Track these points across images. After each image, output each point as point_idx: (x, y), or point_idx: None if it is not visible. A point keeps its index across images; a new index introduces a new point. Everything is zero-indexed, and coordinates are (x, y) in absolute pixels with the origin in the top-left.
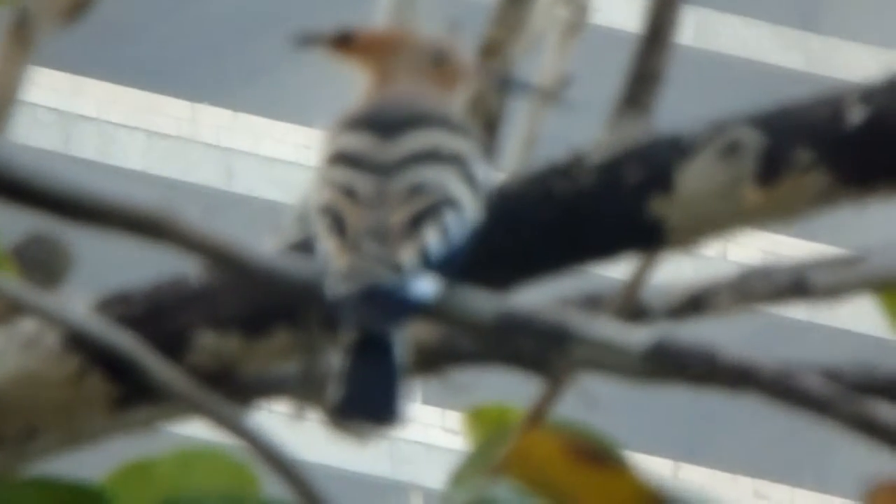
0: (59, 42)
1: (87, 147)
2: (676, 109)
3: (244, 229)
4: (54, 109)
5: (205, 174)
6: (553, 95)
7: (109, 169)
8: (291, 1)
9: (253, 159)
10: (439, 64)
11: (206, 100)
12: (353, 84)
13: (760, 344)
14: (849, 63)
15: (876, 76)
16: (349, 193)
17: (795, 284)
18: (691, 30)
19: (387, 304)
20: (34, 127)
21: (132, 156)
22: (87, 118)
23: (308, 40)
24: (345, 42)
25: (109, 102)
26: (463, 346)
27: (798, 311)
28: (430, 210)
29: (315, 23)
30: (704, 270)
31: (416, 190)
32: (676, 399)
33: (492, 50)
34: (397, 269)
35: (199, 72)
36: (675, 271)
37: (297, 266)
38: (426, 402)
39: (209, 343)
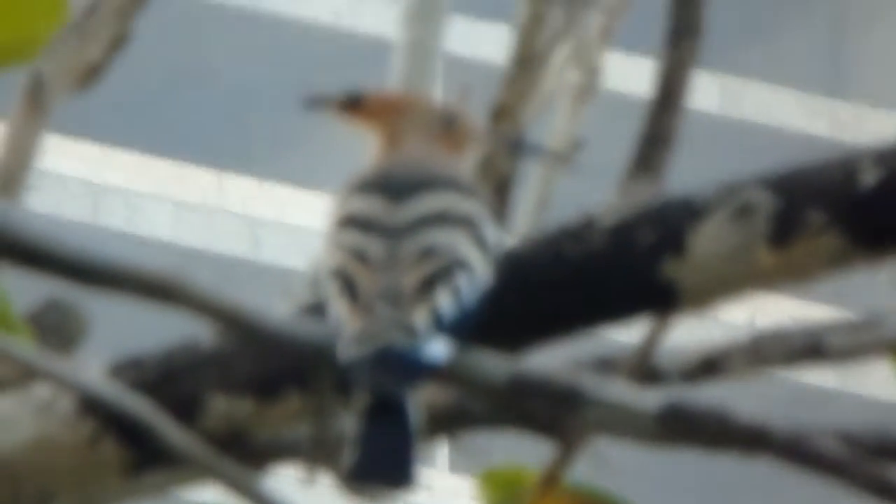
0: (87, 113)
1: (114, 217)
2: (701, 176)
3: (270, 298)
4: (83, 180)
5: (232, 243)
6: (564, 159)
7: (137, 239)
8: (316, 72)
9: (279, 228)
10: (449, 127)
11: (232, 169)
12: (365, 147)
13: (781, 411)
14: (875, 130)
15: (889, 139)
16: (360, 257)
17: (810, 347)
18: (717, 96)
19: (400, 366)
20: (63, 198)
21: (159, 225)
22: (114, 188)
23: (318, 103)
24: (354, 105)
25: (136, 172)
26: (475, 409)
27: (820, 378)
28: (442, 272)
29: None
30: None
31: (427, 252)
32: (693, 465)
33: (503, 114)
34: (410, 331)
35: (226, 142)
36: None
37: (308, 329)
38: (437, 466)
39: (222, 407)
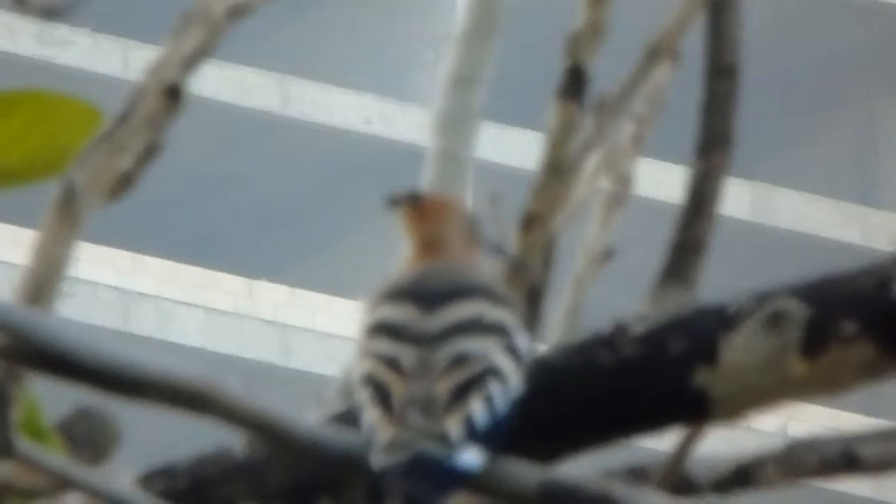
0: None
1: (145, 324)
2: (733, 284)
3: (301, 405)
4: (113, 287)
5: (262, 350)
6: (597, 267)
7: (168, 346)
8: (345, 180)
9: (310, 335)
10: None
11: (262, 276)
12: (396, 253)
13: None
14: None
15: None
16: (392, 364)
17: (845, 458)
18: (748, 204)
19: (433, 475)
20: (94, 305)
21: (190, 332)
22: (145, 295)
23: (394, 202)
24: (415, 204)
25: (167, 279)
26: None
27: (854, 486)
28: (475, 380)
29: (369, 202)
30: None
31: (459, 360)
32: None
33: (533, 221)
34: (443, 440)
35: (256, 248)
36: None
37: (341, 437)
38: None
39: None
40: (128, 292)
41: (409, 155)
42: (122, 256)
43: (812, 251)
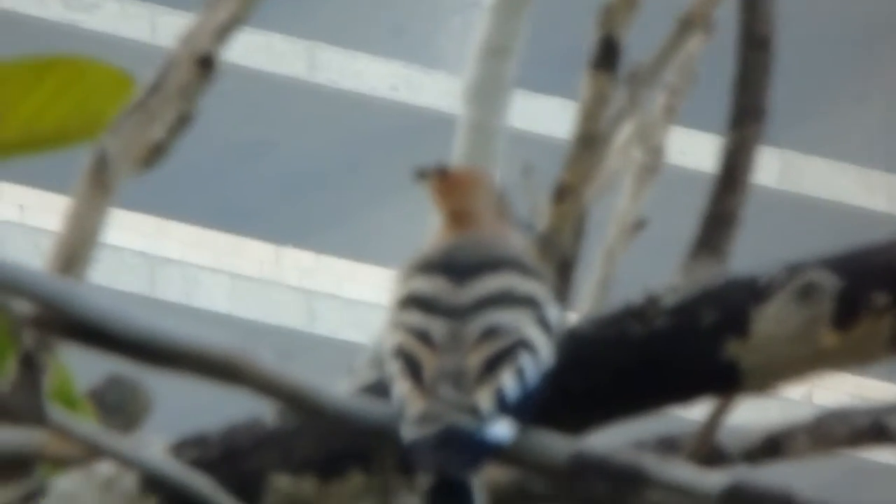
0: (144, 185)
1: (171, 289)
2: (760, 251)
3: (326, 371)
4: (139, 252)
5: (288, 316)
6: (628, 238)
7: (194, 311)
8: (373, 147)
9: (336, 301)
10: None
11: (289, 242)
12: (423, 222)
13: (843, 488)
14: None
15: None
16: (423, 337)
17: (874, 428)
18: (776, 171)
19: (465, 448)
20: (120, 270)
21: (216, 298)
22: (171, 261)
23: (421, 174)
24: (443, 177)
25: (193, 245)
26: (535, 489)
27: (881, 455)
28: (506, 353)
29: (397, 170)
30: (790, 413)
31: (490, 333)
32: None
33: (565, 192)
34: (475, 412)
35: (282, 215)
36: (760, 414)
37: (372, 408)
38: None
39: (284, 485)
40: (154, 258)
41: (436, 122)
42: (148, 222)
43: (839, 219)
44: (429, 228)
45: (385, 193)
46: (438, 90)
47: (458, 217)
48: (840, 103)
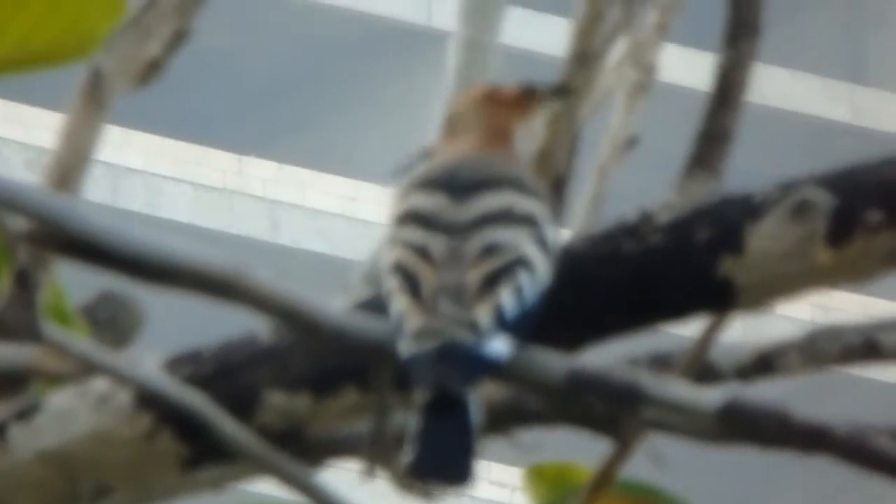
0: None
1: (134, 199)
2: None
3: (289, 281)
4: (103, 162)
5: (251, 226)
6: (621, 154)
7: (157, 221)
8: (336, 56)
9: (298, 211)
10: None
11: (251, 152)
12: (389, 134)
13: (801, 397)
14: (894, 115)
15: None
16: (422, 253)
17: (866, 345)
18: None
19: (463, 363)
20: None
21: (179, 208)
22: (134, 171)
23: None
24: (498, 96)
25: (156, 155)
26: (531, 406)
27: (877, 373)
28: (505, 270)
29: (359, 79)
30: (779, 329)
31: (489, 250)
32: (732, 456)
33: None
34: (473, 328)
35: (245, 125)
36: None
37: (369, 325)
38: (491, 459)
39: (279, 402)
40: (117, 167)
41: (397, 31)
42: (110, 131)
43: (801, 129)
44: (390, 138)
45: (348, 102)
46: (401, 1)
47: (495, 136)
48: (801, 14)
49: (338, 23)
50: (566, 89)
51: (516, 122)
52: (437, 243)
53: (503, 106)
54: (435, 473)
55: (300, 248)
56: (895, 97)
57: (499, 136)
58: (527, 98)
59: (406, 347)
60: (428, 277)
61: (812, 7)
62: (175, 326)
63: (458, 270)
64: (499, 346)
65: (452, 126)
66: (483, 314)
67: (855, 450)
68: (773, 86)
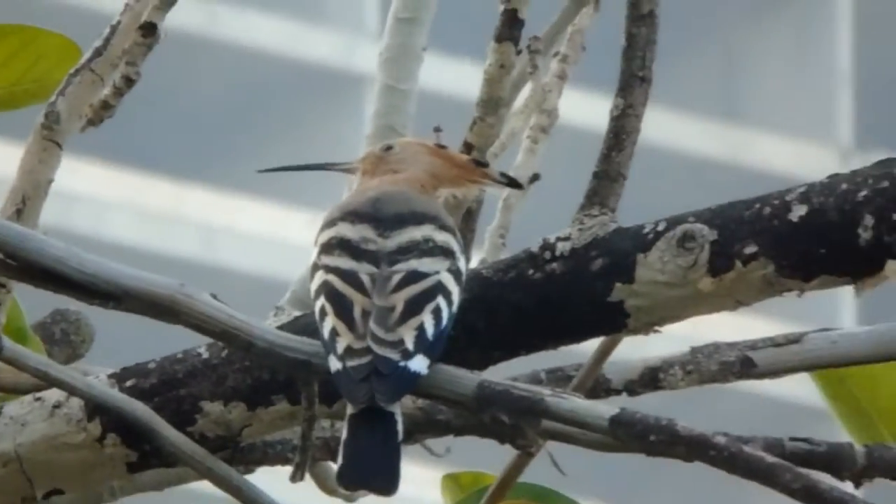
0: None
1: (82, 223)
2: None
3: (223, 298)
4: (54, 189)
5: (188, 249)
6: (525, 189)
7: (102, 243)
8: (265, 95)
9: (233, 234)
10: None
11: (191, 179)
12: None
13: (675, 407)
14: (765, 152)
15: (815, 177)
16: (351, 278)
17: (741, 363)
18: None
19: (391, 379)
20: None
21: (123, 232)
22: (81, 196)
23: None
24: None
25: (102, 182)
26: (444, 418)
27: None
28: (426, 295)
29: (285, 115)
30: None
31: (412, 277)
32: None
33: (469, 151)
34: (400, 348)
35: (185, 154)
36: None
37: (298, 343)
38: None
39: (216, 412)
40: (65, 194)
41: (325, 76)
42: (62, 161)
43: (679, 166)
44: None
45: (276, 135)
46: (329, 45)
47: (429, 180)
48: (676, 54)
49: (266, 65)
50: (516, 184)
51: (457, 184)
52: (363, 270)
53: (453, 164)
54: (364, 480)
55: (234, 269)
56: (768, 135)
57: (431, 182)
58: (477, 169)
59: (337, 364)
60: (357, 301)
61: (688, 50)
62: (122, 342)
63: (383, 295)
64: (420, 363)
65: (382, 161)
66: (408, 335)
67: (732, 458)
68: (651, 125)
